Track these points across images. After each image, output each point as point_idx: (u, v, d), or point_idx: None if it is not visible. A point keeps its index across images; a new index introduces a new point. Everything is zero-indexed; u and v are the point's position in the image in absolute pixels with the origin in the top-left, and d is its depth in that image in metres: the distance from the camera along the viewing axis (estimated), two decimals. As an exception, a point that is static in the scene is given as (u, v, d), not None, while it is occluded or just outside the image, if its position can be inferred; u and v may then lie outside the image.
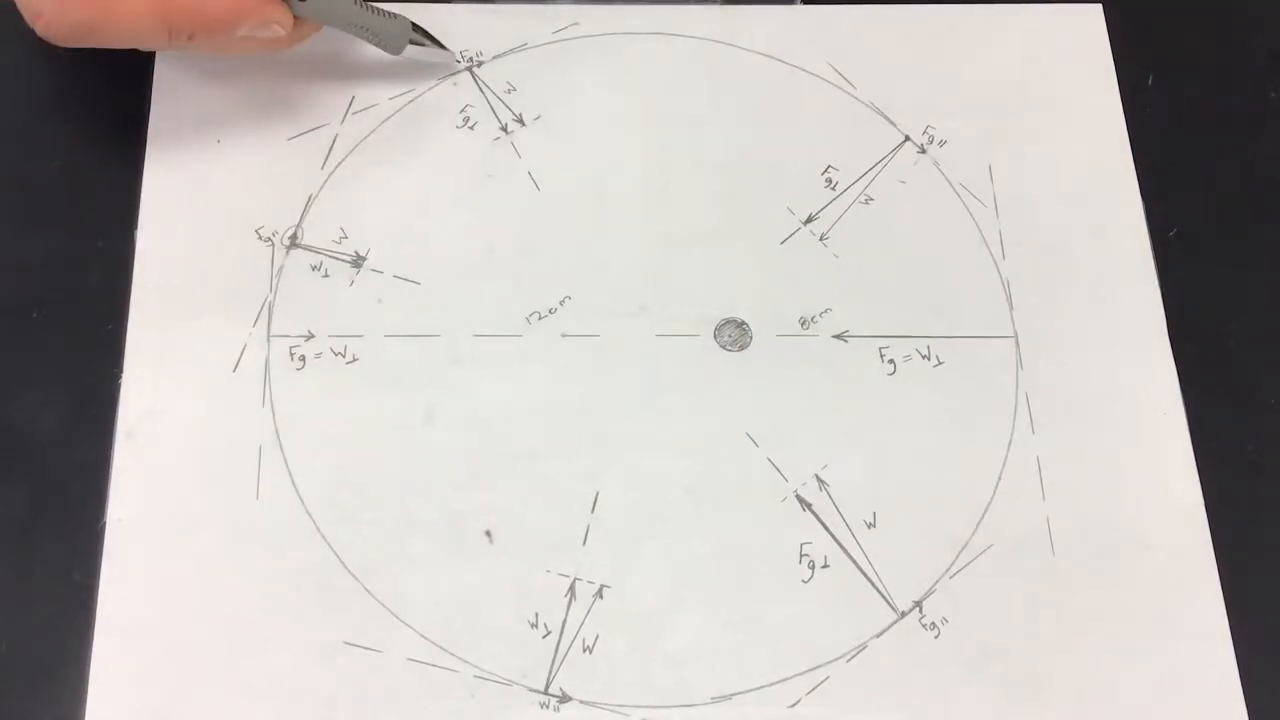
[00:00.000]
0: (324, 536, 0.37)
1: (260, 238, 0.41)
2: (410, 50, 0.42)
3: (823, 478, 0.38)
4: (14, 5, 0.39)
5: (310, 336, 0.40)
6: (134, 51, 0.43)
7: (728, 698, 0.36)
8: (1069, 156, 0.43)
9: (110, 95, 0.42)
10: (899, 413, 0.39)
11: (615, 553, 0.37)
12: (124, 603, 0.36)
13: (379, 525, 0.37)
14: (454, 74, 0.44)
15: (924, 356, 0.40)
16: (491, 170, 0.42)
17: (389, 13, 0.41)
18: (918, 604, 0.37)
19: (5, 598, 0.36)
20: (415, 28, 0.42)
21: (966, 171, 0.43)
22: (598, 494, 0.38)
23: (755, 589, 0.37)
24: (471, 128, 0.43)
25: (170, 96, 0.42)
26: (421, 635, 0.36)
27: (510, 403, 0.39)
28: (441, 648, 0.36)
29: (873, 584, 0.37)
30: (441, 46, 0.42)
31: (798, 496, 0.38)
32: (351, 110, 0.43)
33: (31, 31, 0.38)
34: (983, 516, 0.38)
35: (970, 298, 0.41)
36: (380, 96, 0.43)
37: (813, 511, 0.38)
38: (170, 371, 0.39)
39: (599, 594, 0.37)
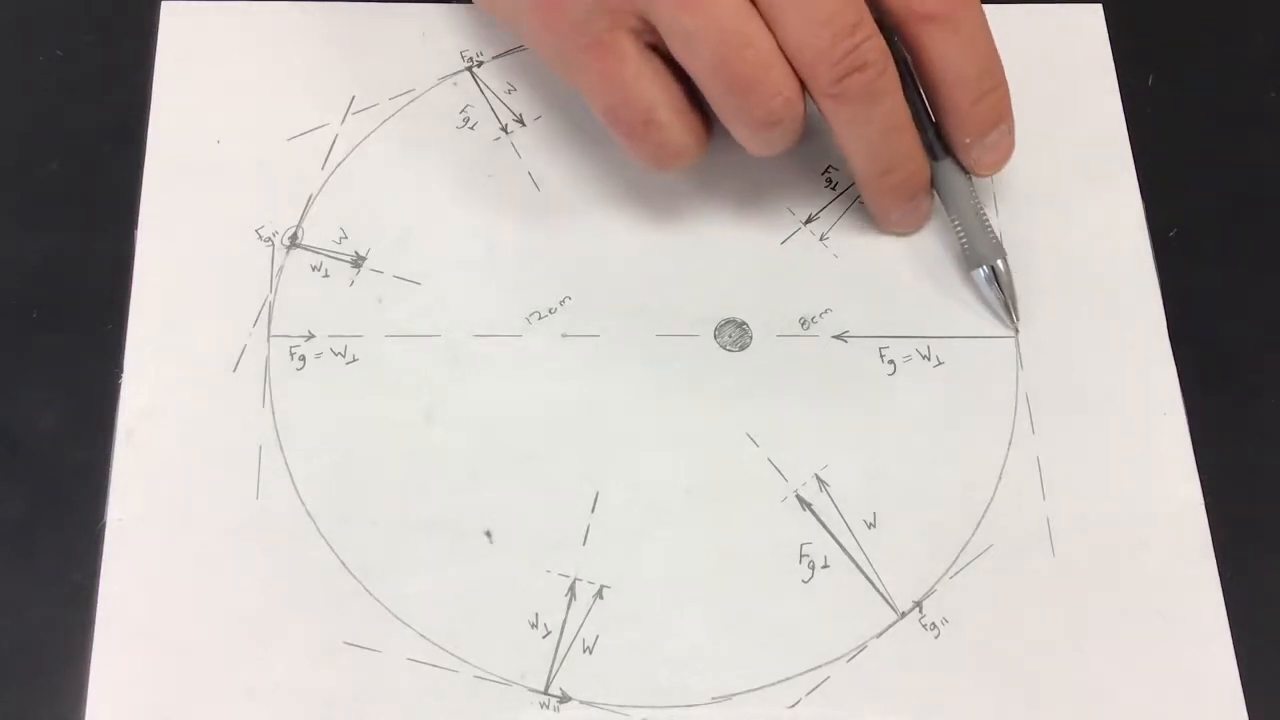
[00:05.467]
0: (324, 536, 0.37)
1: (260, 238, 0.41)
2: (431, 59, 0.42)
3: (823, 478, 0.38)
4: (14, 4, 0.39)
5: (310, 336, 0.40)
6: (133, 51, 0.43)
7: (728, 698, 0.36)
8: (1069, 157, 0.43)
9: (110, 95, 0.42)
10: (899, 413, 0.39)
11: (615, 553, 0.37)
12: (124, 603, 0.36)
13: (379, 525, 0.37)
14: (454, 74, 0.44)
15: (924, 356, 0.40)
16: (491, 170, 0.42)
17: (995, 234, 0.40)
18: (918, 604, 0.37)
19: (5, 598, 0.36)
20: (999, 270, 0.40)
21: (966, 171, 0.43)
22: (598, 494, 0.38)
23: (755, 589, 0.37)
24: (472, 128, 0.43)
25: (170, 96, 0.42)
26: (421, 635, 0.36)
27: (510, 403, 0.39)
28: (441, 648, 0.36)
29: (873, 584, 0.37)
30: (1009, 312, 0.40)
31: (798, 496, 0.38)
32: (351, 110, 0.43)
33: (31, 31, 0.38)
34: (983, 516, 0.38)
35: (970, 298, 0.41)
36: (380, 96, 0.43)
37: (813, 511, 0.38)
38: (170, 372, 0.39)
39: (599, 594, 0.37)
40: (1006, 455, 0.39)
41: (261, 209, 0.41)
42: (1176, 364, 0.40)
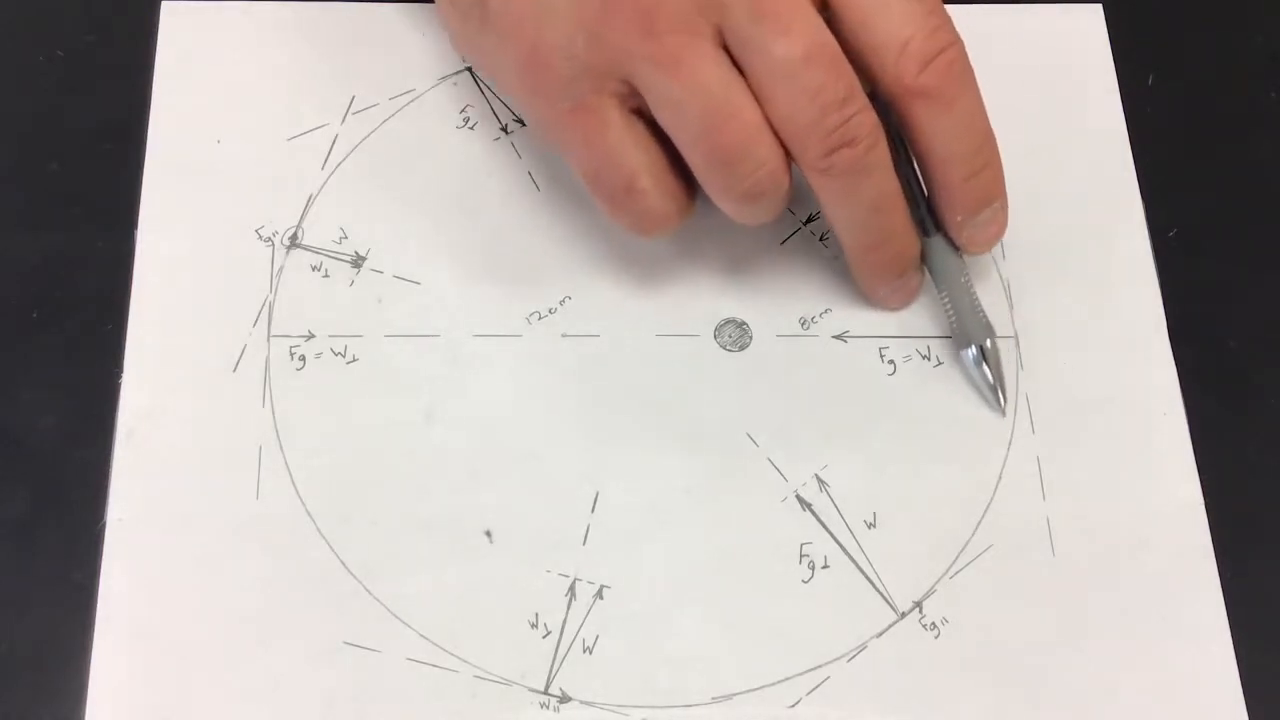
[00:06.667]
0: (324, 536, 0.37)
1: (260, 238, 0.41)
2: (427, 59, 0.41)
3: (823, 478, 0.38)
4: (14, 4, 0.39)
5: (310, 336, 0.40)
6: (133, 51, 0.43)
7: (728, 698, 0.36)
8: (1069, 156, 0.43)
9: (110, 95, 0.42)
10: (899, 413, 0.39)
11: (615, 553, 0.37)
12: (124, 603, 0.36)
13: (379, 525, 0.37)
14: (454, 74, 0.44)
15: (924, 357, 0.40)
16: (491, 170, 0.42)
17: (984, 314, 0.39)
18: (918, 604, 0.37)
19: (5, 598, 0.36)
20: (988, 350, 0.39)
21: (966, 171, 0.43)
22: (598, 494, 0.38)
23: (755, 589, 0.37)
24: (471, 128, 0.43)
25: (170, 96, 0.42)
26: (421, 635, 0.36)
27: (510, 403, 0.39)
28: (441, 648, 0.36)
29: (873, 584, 0.37)
30: (996, 394, 0.39)
31: (798, 496, 0.38)
32: (351, 110, 0.43)
33: (30, 31, 0.38)
34: (983, 516, 0.38)
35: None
36: (380, 96, 0.43)
37: (813, 511, 0.38)
38: (170, 372, 0.39)
39: (599, 594, 0.37)
40: (1006, 455, 0.39)
41: (261, 209, 0.41)
42: (1176, 364, 0.40)
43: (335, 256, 0.41)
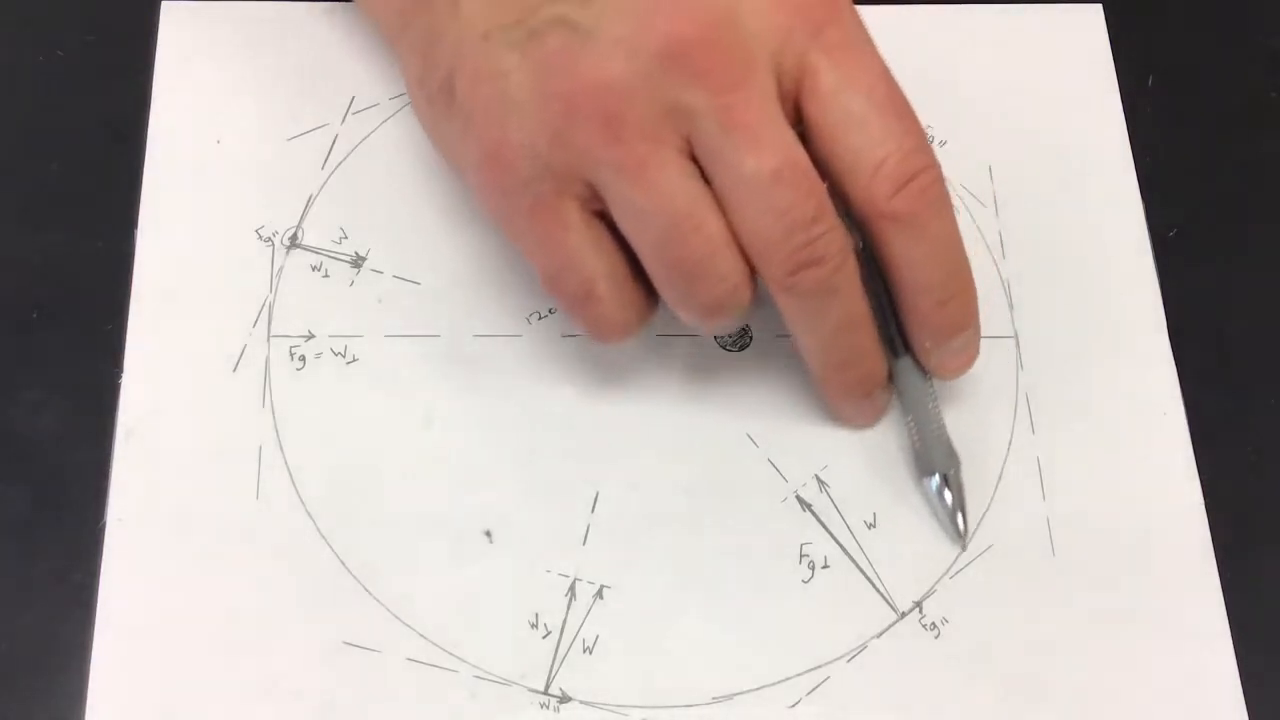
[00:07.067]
0: (324, 536, 0.37)
1: (260, 238, 0.41)
2: None
3: (823, 478, 0.38)
4: (14, 4, 0.39)
5: (310, 337, 0.40)
6: (133, 51, 0.43)
7: (728, 698, 0.36)
8: (1069, 157, 0.43)
9: (110, 95, 0.42)
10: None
11: (615, 553, 0.37)
12: (124, 603, 0.36)
13: (379, 525, 0.37)
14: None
15: (924, 356, 0.40)
16: (491, 170, 0.42)
17: (949, 442, 0.37)
18: (918, 604, 0.37)
19: (5, 598, 0.36)
20: (951, 478, 0.37)
21: (966, 171, 0.43)
22: (598, 494, 0.38)
23: (755, 589, 0.37)
24: (471, 128, 0.43)
25: (170, 96, 0.42)
26: (421, 635, 0.36)
27: (510, 403, 0.39)
28: (441, 648, 0.36)
29: (873, 584, 0.37)
30: (957, 525, 0.37)
31: (798, 497, 0.38)
32: (351, 110, 0.43)
33: (30, 31, 0.38)
34: (983, 516, 0.38)
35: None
36: (380, 96, 0.43)
37: (813, 512, 0.38)
38: (170, 372, 0.39)
39: (599, 594, 0.37)
40: (1006, 455, 0.39)
41: (261, 209, 0.41)
42: (1176, 364, 0.40)
43: (335, 256, 0.41)
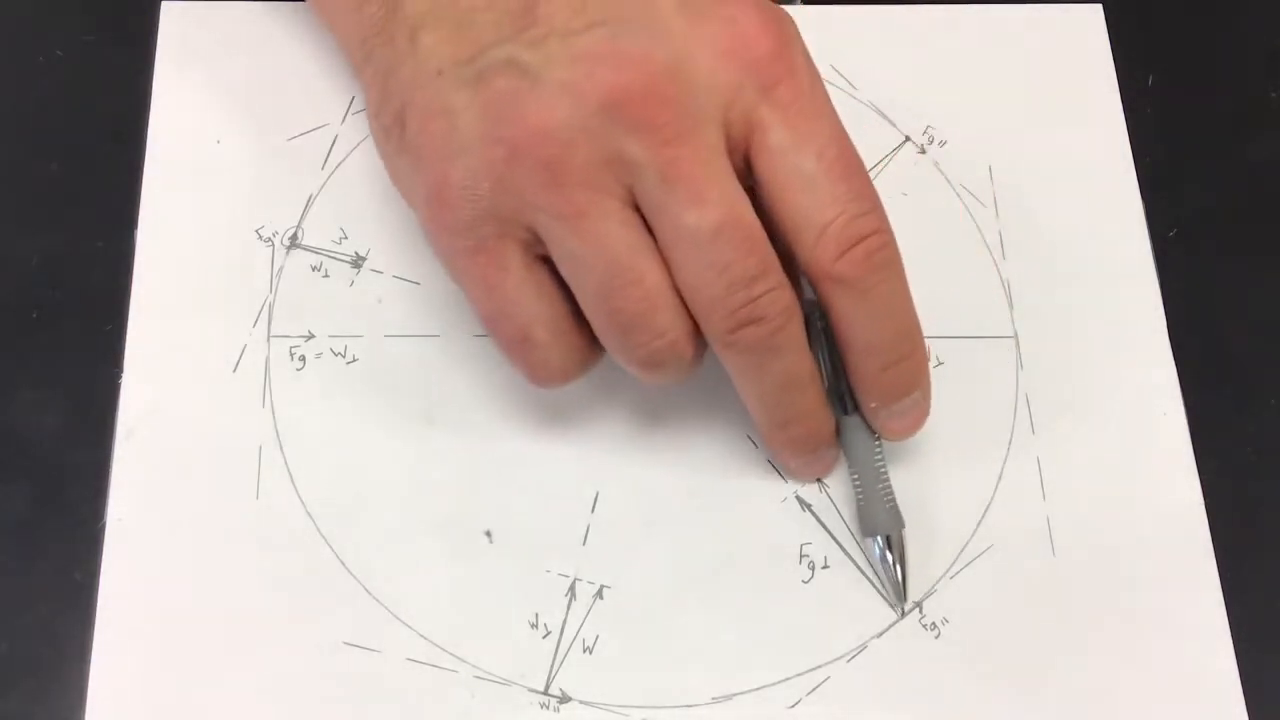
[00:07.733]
0: (324, 536, 0.37)
1: (260, 238, 0.41)
2: None
3: (822, 478, 0.38)
4: (14, 4, 0.39)
5: (310, 337, 0.40)
6: (133, 51, 0.43)
7: (728, 698, 0.36)
8: (1069, 157, 0.43)
9: (110, 95, 0.42)
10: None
11: (615, 553, 0.37)
12: (124, 603, 0.36)
13: (379, 525, 0.37)
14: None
15: (924, 356, 0.40)
16: (491, 170, 0.42)
17: (894, 503, 0.37)
18: (918, 604, 0.37)
19: (5, 598, 0.36)
20: (894, 540, 0.37)
21: (966, 171, 0.43)
22: (598, 494, 0.38)
23: (755, 589, 0.37)
24: (471, 128, 0.43)
25: (170, 96, 0.42)
26: (421, 635, 0.36)
27: (510, 403, 0.39)
28: (441, 648, 0.36)
29: (873, 584, 0.37)
30: (898, 590, 0.37)
31: (798, 497, 0.38)
32: (351, 110, 0.43)
33: (30, 31, 0.38)
34: (983, 516, 0.38)
35: (970, 298, 0.41)
36: (380, 96, 0.43)
37: (812, 512, 0.38)
38: (170, 372, 0.39)
39: (599, 594, 0.37)
40: (1006, 455, 0.39)
41: (261, 209, 0.41)
42: (1176, 364, 0.40)
43: (335, 256, 0.41)
